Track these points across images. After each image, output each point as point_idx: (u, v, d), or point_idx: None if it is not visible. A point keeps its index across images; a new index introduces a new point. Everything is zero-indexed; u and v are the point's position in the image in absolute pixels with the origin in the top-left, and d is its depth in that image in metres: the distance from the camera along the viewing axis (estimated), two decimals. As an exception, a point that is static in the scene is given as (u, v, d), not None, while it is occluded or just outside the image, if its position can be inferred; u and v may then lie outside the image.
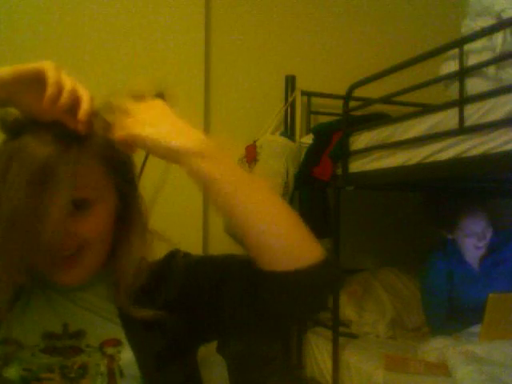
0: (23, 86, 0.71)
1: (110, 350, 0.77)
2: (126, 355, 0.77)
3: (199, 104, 2.43)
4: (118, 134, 0.73)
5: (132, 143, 0.73)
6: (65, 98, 0.70)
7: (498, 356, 1.72)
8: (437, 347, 1.87)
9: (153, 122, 0.73)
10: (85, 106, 0.72)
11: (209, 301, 0.80)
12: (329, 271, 0.73)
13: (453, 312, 2.09)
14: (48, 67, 0.71)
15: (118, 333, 0.79)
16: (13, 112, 0.74)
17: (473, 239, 2.09)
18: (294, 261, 0.70)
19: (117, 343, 0.78)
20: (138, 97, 0.76)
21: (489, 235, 2.10)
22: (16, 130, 0.73)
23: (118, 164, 0.78)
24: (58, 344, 0.77)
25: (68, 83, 0.71)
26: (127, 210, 0.81)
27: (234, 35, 2.58)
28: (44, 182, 0.71)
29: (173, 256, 0.88)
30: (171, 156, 0.71)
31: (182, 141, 0.71)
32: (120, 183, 0.79)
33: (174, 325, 0.81)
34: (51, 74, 0.70)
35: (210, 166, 0.70)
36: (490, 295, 1.83)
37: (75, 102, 0.72)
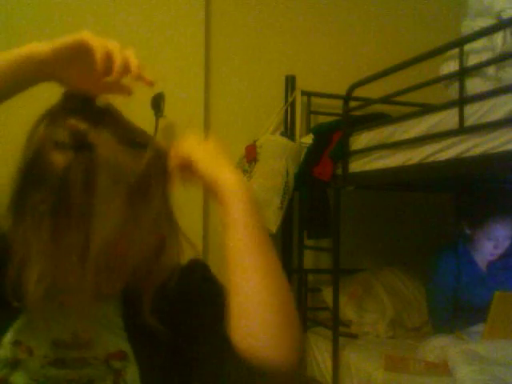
0: (65, 60, 0.69)
1: (116, 364, 0.76)
2: (132, 370, 0.76)
3: (199, 104, 2.43)
4: (177, 152, 0.74)
5: (186, 163, 0.73)
6: (118, 65, 0.68)
7: (500, 355, 1.72)
8: (437, 346, 1.87)
9: (208, 152, 0.75)
10: (135, 62, 0.71)
11: (189, 339, 0.78)
12: (292, 376, 0.69)
13: (456, 311, 2.09)
14: (88, 37, 0.68)
15: (124, 347, 0.78)
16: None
17: (490, 244, 2.06)
18: (269, 352, 0.66)
19: (123, 356, 0.77)
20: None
21: (506, 245, 2.07)
22: (86, 143, 0.69)
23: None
24: (66, 355, 0.76)
25: (115, 48, 0.69)
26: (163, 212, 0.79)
27: (234, 35, 2.58)
28: (138, 192, 0.69)
29: (192, 269, 0.84)
30: (214, 187, 0.72)
31: (226, 175, 0.72)
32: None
33: (172, 337, 0.79)
34: (96, 43, 0.68)
35: (240, 213, 0.71)
36: (497, 293, 1.82)
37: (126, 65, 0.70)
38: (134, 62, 0.71)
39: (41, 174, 0.68)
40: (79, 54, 0.69)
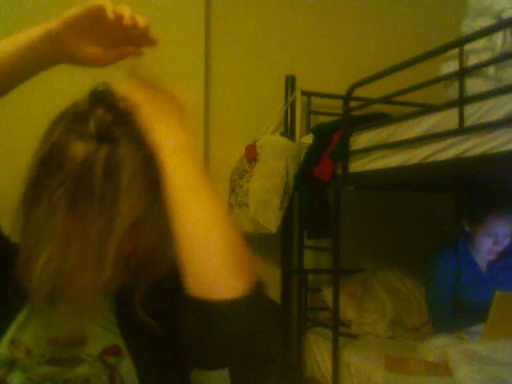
0: (77, 30, 0.70)
1: (110, 360, 0.77)
2: (126, 365, 0.77)
3: (199, 104, 2.43)
4: (129, 90, 0.73)
5: (131, 103, 0.72)
6: (128, 16, 0.69)
7: (500, 355, 1.72)
8: (437, 346, 1.87)
9: (155, 104, 0.74)
10: (143, 21, 0.71)
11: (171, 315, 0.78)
12: (246, 308, 0.67)
13: (456, 311, 2.09)
14: (94, 2, 0.69)
15: (118, 341, 0.78)
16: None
17: (490, 241, 2.06)
18: (212, 288, 0.66)
19: (117, 351, 0.77)
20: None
21: (505, 243, 2.07)
22: (110, 135, 0.70)
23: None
24: (62, 353, 0.77)
25: (124, 8, 0.70)
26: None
27: (234, 35, 2.58)
28: (160, 186, 0.70)
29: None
30: (154, 140, 0.71)
31: (169, 130, 0.72)
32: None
33: (166, 333, 0.78)
34: (102, 2, 0.68)
35: (178, 164, 0.71)
36: (497, 293, 1.82)
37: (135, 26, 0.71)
38: (140, 17, 0.71)
39: (60, 162, 0.68)
40: (89, 20, 0.69)
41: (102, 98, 0.73)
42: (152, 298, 0.78)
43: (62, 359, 0.76)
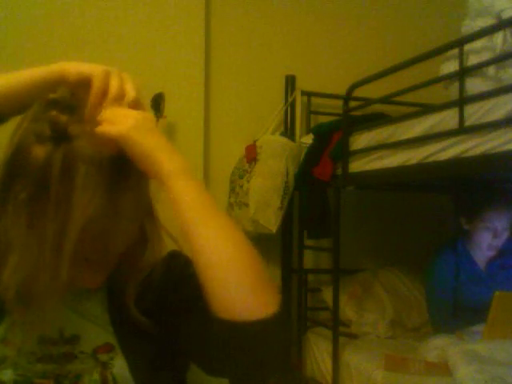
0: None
1: (103, 357, 0.77)
2: (119, 362, 0.77)
3: (199, 104, 2.43)
4: (106, 127, 0.70)
5: (116, 140, 0.70)
6: (114, 92, 0.72)
7: (500, 355, 1.71)
8: (437, 346, 1.87)
9: (142, 129, 0.71)
10: (132, 94, 0.73)
11: (175, 322, 0.78)
12: (277, 326, 0.68)
13: (456, 311, 2.09)
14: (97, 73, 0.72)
15: (111, 339, 0.78)
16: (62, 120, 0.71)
17: (489, 235, 2.07)
18: (243, 310, 0.66)
19: (110, 349, 0.78)
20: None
21: (504, 237, 2.07)
22: (66, 135, 0.69)
23: None
24: (53, 351, 0.77)
25: (113, 79, 0.72)
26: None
27: (234, 35, 2.58)
28: (118, 183, 0.69)
29: (171, 259, 0.85)
30: (151, 167, 0.70)
31: (166, 156, 0.71)
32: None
33: (160, 331, 0.79)
34: (97, 83, 0.72)
35: (184, 187, 0.70)
36: (497, 293, 1.82)
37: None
38: (130, 88, 0.74)
39: (22, 166, 0.69)
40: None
41: (56, 100, 0.74)
42: (143, 297, 0.78)
43: (54, 356, 0.77)
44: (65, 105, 0.73)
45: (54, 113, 0.71)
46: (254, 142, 2.37)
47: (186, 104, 2.37)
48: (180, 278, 0.81)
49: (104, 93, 0.71)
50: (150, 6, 2.37)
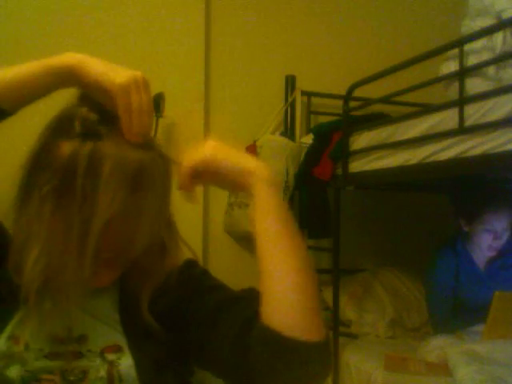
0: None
1: (110, 356, 0.77)
2: (126, 361, 0.77)
3: (199, 104, 2.43)
4: (188, 159, 0.76)
5: (206, 167, 0.75)
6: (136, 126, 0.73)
7: (500, 356, 1.71)
8: (437, 346, 1.87)
9: (220, 150, 0.77)
10: (144, 122, 0.73)
11: (199, 333, 0.78)
12: (326, 354, 0.71)
13: (455, 311, 2.09)
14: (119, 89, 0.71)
15: (120, 340, 0.78)
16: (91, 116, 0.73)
17: (489, 236, 2.06)
18: (302, 331, 0.68)
19: (118, 349, 0.78)
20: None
21: (505, 238, 2.06)
22: (95, 132, 0.71)
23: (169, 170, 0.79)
24: (61, 349, 0.77)
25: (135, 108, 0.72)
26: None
27: (234, 35, 2.58)
28: (141, 184, 0.71)
29: (188, 268, 0.86)
30: (244, 178, 0.75)
31: (252, 164, 0.76)
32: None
33: (169, 336, 0.80)
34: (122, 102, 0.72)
35: (274, 195, 0.74)
36: (497, 293, 1.81)
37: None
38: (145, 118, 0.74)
39: (48, 160, 0.71)
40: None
41: (87, 98, 0.75)
42: (156, 302, 0.80)
43: (61, 354, 0.77)
44: (95, 102, 0.74)
45: (84, 110, 0.73)
46: (254, 142, 2.37)
47: (185, 104, 2.37)
48: (198, 289, 0.82)
49: (128, 107, 0.72)
50: (149, 6, 2.37)
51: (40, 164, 0.72)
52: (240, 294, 0.80)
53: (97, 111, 0.73)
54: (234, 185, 0.77)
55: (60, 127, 0.73)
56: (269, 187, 0.74)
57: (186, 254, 0.85)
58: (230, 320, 0.75)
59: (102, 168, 0.68)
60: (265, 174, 0.75)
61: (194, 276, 0.85)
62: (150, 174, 0.72)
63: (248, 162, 0.76)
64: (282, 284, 0.70)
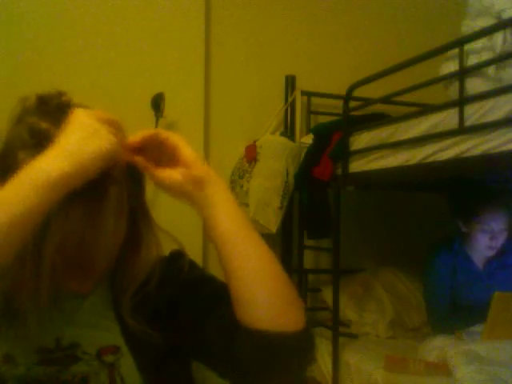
0: None
1: (109, 358, 0.76)
2: (127, 362, 0.76)
3: (199, 104, 2.43)
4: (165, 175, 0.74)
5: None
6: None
7: (500, 356, 1.71)
8: (437, 346, 1.87)
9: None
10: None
11: (189, 327, 0.78)
12: (307, 341, 0.72)
13: (455, 311, 2.09)
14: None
15: (117, 339, 0.77)
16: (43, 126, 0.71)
17: (487, 237, 2.06)
18: (277, 323, 0.68)
19: (115, 350, 0.77)
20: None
21: (502, 238, 2.07)
22: (47, 140, 0.68)
23: (136, 171, 0.77)
24: (53, 355, 0.76)
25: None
26: (138, 211, 0.81)
27: (234, 35, 2.58)
28: (97, 200, 0.71)
29: (174, 260, 0.85)
30: (200, 184, 0.73)
31: (210, 171, 0.75)
32: (133, 188, 0.79)
33: (166, 332, 0.79)
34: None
35: (224, 199, 0.74)
36: (496, 293, 1.81)
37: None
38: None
39: (9, 172, 0.67)
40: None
41: (37, 103, 0.74)
42: (141, 305, 0.78)
43: (54, 359, 0.76)
44: (45, 110, 0.73)
45: (34, 119, 0.72)
46: (254, 142, 2.37)
47: (185, 104, 2.37)
48: (188, 282, 0.82)
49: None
50: (150, 6, 2.37)
51: (4, 172, 0.68)
52: (226, 285, 0.80)
53: (49, 117, 0.71)
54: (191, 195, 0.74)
55: (15, 135, 0.72)
56: (225, 192, 0.74)
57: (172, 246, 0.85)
58: (217, 322, 0.74)
59: None
60: (220, 180, 0.74)
61: (182, 268, 0.83)
62: (105, 188, 0.71)
63: (211, 193, 0.74)
64: (251, 284, 0.70)
